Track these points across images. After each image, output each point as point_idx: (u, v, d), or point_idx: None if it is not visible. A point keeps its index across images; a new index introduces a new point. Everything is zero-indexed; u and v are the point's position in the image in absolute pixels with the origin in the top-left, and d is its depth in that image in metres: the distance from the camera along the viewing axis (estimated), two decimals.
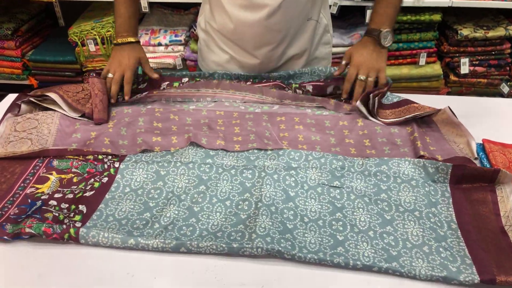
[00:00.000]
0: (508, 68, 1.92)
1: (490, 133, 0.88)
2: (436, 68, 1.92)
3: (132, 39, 1.01)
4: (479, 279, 0.59)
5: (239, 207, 0.72)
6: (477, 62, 1.90)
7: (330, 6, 1.84)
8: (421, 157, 0.80)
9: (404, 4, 1.79)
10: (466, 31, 1.83)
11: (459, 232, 0.67)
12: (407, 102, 0.94)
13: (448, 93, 1.97)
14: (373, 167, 0.77)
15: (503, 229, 0.67)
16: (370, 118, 0.92)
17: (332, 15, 1.85)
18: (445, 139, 0.87)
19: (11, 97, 1.09)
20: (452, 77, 1.95)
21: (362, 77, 0.94)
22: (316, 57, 1.09)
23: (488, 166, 0.80)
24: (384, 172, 0.76)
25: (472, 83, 1.95)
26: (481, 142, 0.86)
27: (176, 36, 1.91)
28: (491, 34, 1.82)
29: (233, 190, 0.75)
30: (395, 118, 0.91)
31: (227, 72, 1.03)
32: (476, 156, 0.82)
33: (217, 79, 1.02)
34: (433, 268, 0.61)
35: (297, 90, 0.99)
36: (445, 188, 0.74)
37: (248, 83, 1.01)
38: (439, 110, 0.90)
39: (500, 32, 1.82)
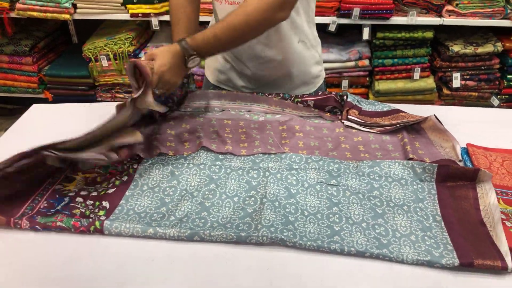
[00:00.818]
0: (497, 82, 2.02)
1: (474, 138, 0.96)
2: (429, 82, 2.02)
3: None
4: (458, 262, 0.66)
5: (246, 202, 0.79)
6: (468, 77, 2.00)
7: (328, 24, 1.96)
8: (410, 159, 0.87)
9: (399, 23, 1.93)
10: (457, 47, 1.94)
11: (443, 224, 0.74)
12: (397, 111, 1.03)
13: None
14: (366, 168, 0.85)
15: (482, 221, 0.74)
16: (363, 129, 1.00)
17: (330, 32, 1.98)
18: (433, 144, 0.95)
19: (35, 107, 1.18)
20: (445, 91, 2.05)
21: (157, 91, 0.90)
22: (312, 76, 1.15)
23: (471, 167, 0.88)
24: (377, 173, 0.84)
25: (464, 96, 2.05)
26: (466, 146, 0.95)
27: None
28: (480, 50, 1.93)
29: (241, 188, 0.83)
30: (386, 123, 0.99)
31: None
32: (460, 158, 0.90)
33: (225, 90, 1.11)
34: (419, 253, 0.68)
35: (299, 104, 1.07)
36: (431, 186, 0.81)
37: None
38: (426, 117, 0.99)
39: (488, 48, 1.93)
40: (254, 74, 1.12)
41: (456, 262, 0.66)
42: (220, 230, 0.73)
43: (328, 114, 1.06)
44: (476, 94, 2.04)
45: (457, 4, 1.88)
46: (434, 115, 0.98)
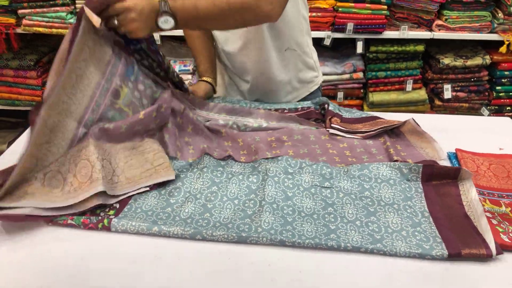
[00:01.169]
0: (487, 93, 2.09)
1: (463, 144, 1.01)
2: (421, 94, 2.09)
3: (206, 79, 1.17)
4: (447, 253, 0.71)
5: (246, 205, 0.83)
6: (458, 88, 2.07)
7: (323, 38, 2.03)
8: (395, 161, 0.92)
9: (391, 37, 2.01)
10: (447, 60, 2.01)
11: (431, 219, 0.79)
12: (375, 118, 1.09)
13: None
14: (356, 171, 0.90)
15: (466, 215, 0.79)
16: (347, 136, 1.04)
17: (325, 46, 2.06)
18: (413, 145, 1.00)
19: None
20: (437, 102, 2.12)
21: (116, 22, 0.86)
22: (302, 81, 1.21)
23: None
24: (366, 175, 0.89)
25: (455, 107, 2.12)
26: (455, 151, 1.00)
27: (184, 66, 2.09)
28: (469, 62, 2.01)
29: (241, 191, 0.87)
30: (367, 130, 1.04)
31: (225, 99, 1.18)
32: (442, 157, 0.95)
33: (214, 102, 1.14)
34: (411, 247, 0.73)
35: (283, 114, 1.11)
36: (417, 185, 0.86)
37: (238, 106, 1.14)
38: (405, 121, 1.04)
39: (477, 61, 2.00)
40: (250, 87, 1.18)
41: (445, 253, 0.71)
42: (222, 230, 0.77)
43: (312, 122, 1.11)
44: (467, 105, 2.11)
45: (446, 19, 1.97)
46: (412, 119, 1.03)
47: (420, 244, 0.73)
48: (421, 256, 0.72)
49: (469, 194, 0.82)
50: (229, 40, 1.12)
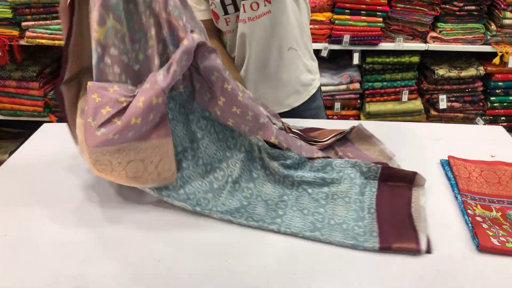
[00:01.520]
0: (481, 103, 2.13)
1: (456, 151, 1.03)
2: (417, 104, 2.12)
3: None
4: (378, 246, 0.74)
5: (215, 175, 0.87)
6: (453, 99, 2.11)
7: (321, 50, 2.08)
8: None
9: (387, 48, 2.05)
10: (442, 71, 2.05)
11: (375, 215, 0.82)
12: (317, 129, 1.10)
13: None
14: (320, 169, 0.92)
15: (410, 214, 0.82)
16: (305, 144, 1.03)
17: (322, 58, 2.10)
18: (361, 150, 1.03)
19: (46, 127, 1.25)
20: (432, 112, 2.15)
21: None
22: (303, 83, 1.24)
23: (451, 177, 0.96)
24: (329, 171, 0.92)
25: (451, 117, 2.15)
26: (447, 158, 1.02)
27: None
28: (464, 73, 2.04)
29: (216, 155, 0.88)
30: (321, 140, 1.04)
31: None
32: (391, 157, 0.98)
33: None
34: (346, 237, 0.76)
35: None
36: (373, 184, 0.90)
37: None
38: (352, 128, 1.05)
39: (471, 72, 2.04)
40: (251, 85, 1.19)
41: (376, 246, 0.74)
42: (182, 201, 0.81)
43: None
44: (462, 115, 2.15)
45: (440, 31, 2.01)
46: (360, 124, 1.05)
47: (356, 237, 0.77)
48: (354, 247, 0.75)
49: (419, 200, 0.85)
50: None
